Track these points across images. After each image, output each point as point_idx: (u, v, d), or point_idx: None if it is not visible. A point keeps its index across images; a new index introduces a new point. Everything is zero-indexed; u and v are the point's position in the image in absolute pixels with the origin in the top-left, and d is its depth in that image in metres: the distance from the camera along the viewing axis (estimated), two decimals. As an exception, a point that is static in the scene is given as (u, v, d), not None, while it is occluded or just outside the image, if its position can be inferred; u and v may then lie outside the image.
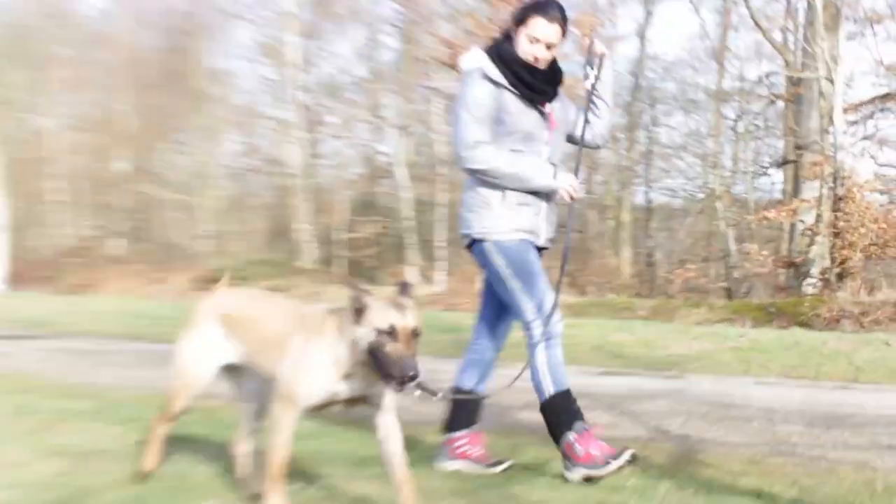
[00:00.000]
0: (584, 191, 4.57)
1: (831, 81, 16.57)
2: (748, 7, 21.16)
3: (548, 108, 4.33)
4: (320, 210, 25.43)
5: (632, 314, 16.25)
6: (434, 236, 22.93)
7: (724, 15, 23.77)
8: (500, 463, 4.43)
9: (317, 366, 3.24)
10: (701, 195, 25.04)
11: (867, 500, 3.98)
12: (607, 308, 16.92)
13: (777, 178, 23.74)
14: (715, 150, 23.91)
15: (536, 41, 4.17)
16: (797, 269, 18.39)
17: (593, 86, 4.41)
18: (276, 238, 26.22)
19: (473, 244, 4.36)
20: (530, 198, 4.29)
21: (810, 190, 18.66)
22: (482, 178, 4.25)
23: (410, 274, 21.75)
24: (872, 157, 21.04)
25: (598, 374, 9.26)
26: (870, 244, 16.10)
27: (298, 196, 24.33)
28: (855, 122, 19.87)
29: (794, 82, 20.43)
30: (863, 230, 15.94)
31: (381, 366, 3.06)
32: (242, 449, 3.76)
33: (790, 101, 21.40)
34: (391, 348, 3.05)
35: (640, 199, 26.72)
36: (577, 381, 7.07)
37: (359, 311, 3.14)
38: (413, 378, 3.04)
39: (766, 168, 24.14)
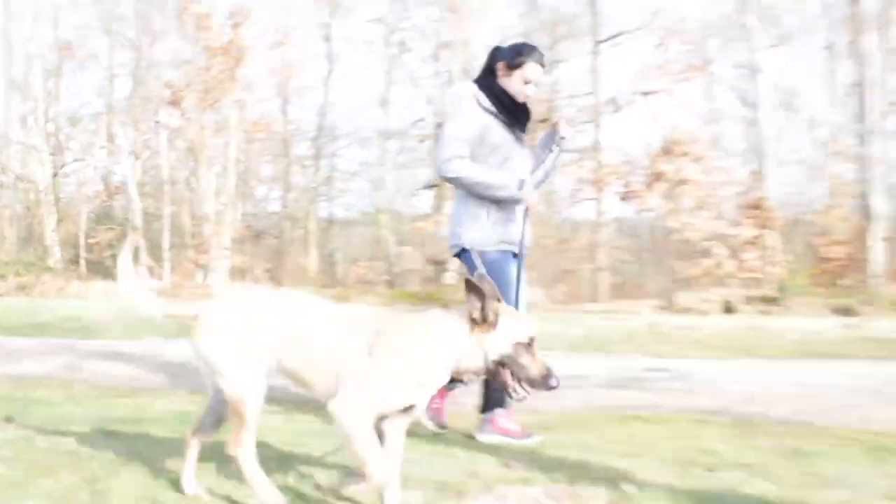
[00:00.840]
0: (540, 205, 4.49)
1: None
2: (406, 70, 25.59)
3: (522, 135, 4.95)
4: (65, 219, 27.03)
5: (320, 303, 20.75)
6: (161, 241, 25.20)
7: (389, 72, 26.81)
8: (531, 436, 4.90)
9: (422, 372, 3.26)
10: (370, 210, 28.32)
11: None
12: (298, 297, 20.76)
13: (427, 198, 26.36)
14: (380, 175, 27.49)
15: (528, 83, 4.86)
16: (440, 265, 22.08)
17: (553, 160, 5.07)
18: (26, 243, 27.46)
19: (462, 252, 4.85)
20: (511, 213, 4.83)
21: (450, 207, 22.40)
22: (461, 187, 4.81)
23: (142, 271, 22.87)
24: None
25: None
26: None
27: (45, 208, 26.30)
28: None
29: (439, 126, 20.48)
30: None
31: (518, 375, 3.22)
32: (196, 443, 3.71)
33: (436, 140, 20.90)
34: (529, 360, 3.22)
35: (324, 212, 29.23)
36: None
37: (489, 321, 3.21)
38: (556, 387, 3.22)
39: (419, 190, 26.92)
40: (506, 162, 4.86)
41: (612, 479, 3.95)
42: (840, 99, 22.41)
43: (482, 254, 4.70)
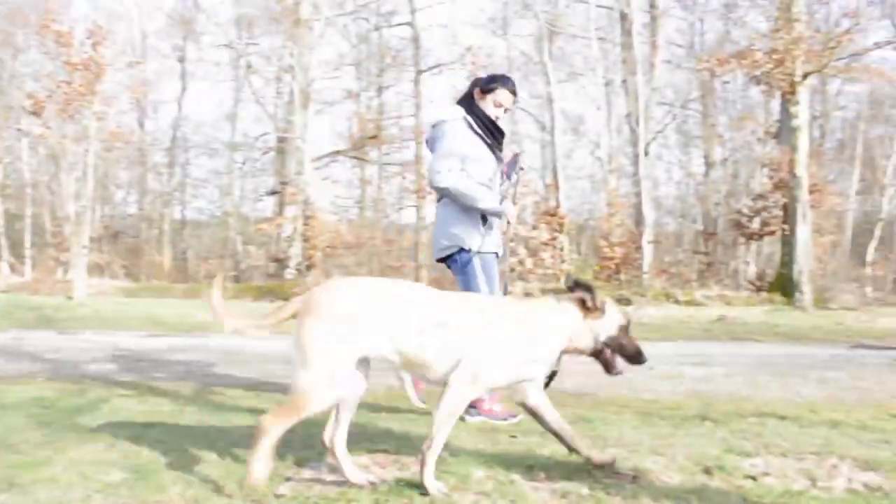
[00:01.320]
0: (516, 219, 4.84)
1: (304, 141, 21.01)
2: (252, 89, 25.28)
3: (499, 154, 4.85)
4: (-73, 219, 24.64)
5: (171, 294, 19.11)
6: (22, 240, 24.14)
7: (237, 91, 27.33)
8: (514, 416, 4.74)
9: (544, 350, 3.36)
10: (219, 213, 28.48)
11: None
12: (154, 290, 19.76)
13: (270, 203, 26.34)
14: (228, 182, 27.45)
15: (500, 106, 4.81)
16: (281, 262, 22.06)
17: (512, 186, 4.86)
18: None
19: (459, 253, 4.72)
20: (496, 223, 4.78)
21: (290, 211, 22.23)
22: (448, 197, 4.68)
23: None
24: (329, 191, 25.20)
25: (145, 336, 10.10)
26: (327, 247, 20.28)
27: None
28: (319, 168, 23.87)
29: (281, 140, 24.23)
30: (322, 238, 20.08)
31: (620, 352, 3.42)
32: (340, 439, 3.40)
33: (278, 152, 25.17)
34: (629, 340, 3.42)
35: (177, 215, 29.24)
36: (131, 342, 9.26)
37: (600, 308, 3.37)
38: (645, 362, 3.45)
39: (262, 196, 27.27)
40: (487, 177, 4.78)
41: (431, 447, 3.93)
42: (616, 126, 23.50)
43: (482, 256, 4.73)
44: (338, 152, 25.50)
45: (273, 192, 25.41)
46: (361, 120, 25.30)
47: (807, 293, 16.42)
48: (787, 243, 17.43)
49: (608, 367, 3.46)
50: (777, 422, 4.80)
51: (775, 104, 20.83)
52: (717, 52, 20.71)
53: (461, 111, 4.79)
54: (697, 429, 4.58)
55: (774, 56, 16.42)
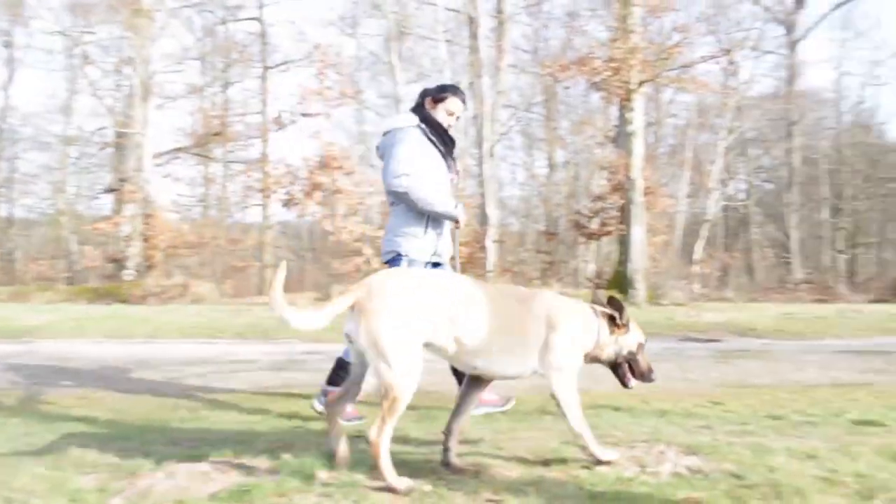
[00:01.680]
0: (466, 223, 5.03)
1: (144, 136, 20.60)
2: (88, 81, 24.21)
3: (451, 161, 5.07)
4: None
5: (-5, 298, 17.57)
6: None
7: (72, 82, 25.92)
8: (360, 418, 4.95)
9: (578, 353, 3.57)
10: (52, 211, 26.95)
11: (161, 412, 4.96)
12: (-23, 295, 17.92)
13: (107, 201, 25.21)
14: (62, 179, 26.03)
15: (452, 114, 5.03)
16: (119, 263, 21.29)
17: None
18: None
19: (396, 258, 4.87)
20: (442, 229, 4.96)
21: (129, 209, 21.36)
22: (405, 202, 4.78)
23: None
24: (170, 189, 25.33)
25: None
26: (167, 247, 20.30)
27: None
28: (160, 165, 23.39)
29: (120, 135, 23.37)
30: (163, 237, 20.12)
31: (633, 368, 3.72)
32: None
33: (116, 148, 24.37)
34: (643, 358, 3.69)
35: (3, 212, 27.75)
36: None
37: (626, 325, 3.64)
38: (654, 381, 3.77)
39: (99, 193, 26.39)
40: (439, 183, 4.90)
41: (272, 449, 3.86)
42: (463, 128, 23.87)
43: (412, 262, 4.82)
44: (180, 149, 25.01)
45: (111, 190, 24.54)
46: (206, 116, 24.87)
47: (640, 290, 17.24)
48: (624, 243, 18.25)
49: (623, 381, 3.76)
50: (612, 413, 5.07)
51: (614, 110, 21.93)
52: (559, 58, 21.42)
53: (415, 119, 4.94)
54: (538, 423, 4.72)
55: (612, 64, 17.18)
